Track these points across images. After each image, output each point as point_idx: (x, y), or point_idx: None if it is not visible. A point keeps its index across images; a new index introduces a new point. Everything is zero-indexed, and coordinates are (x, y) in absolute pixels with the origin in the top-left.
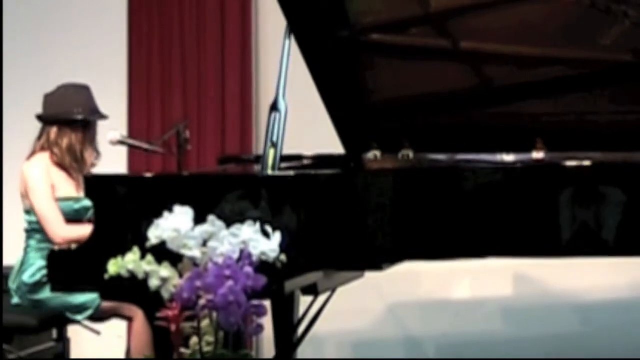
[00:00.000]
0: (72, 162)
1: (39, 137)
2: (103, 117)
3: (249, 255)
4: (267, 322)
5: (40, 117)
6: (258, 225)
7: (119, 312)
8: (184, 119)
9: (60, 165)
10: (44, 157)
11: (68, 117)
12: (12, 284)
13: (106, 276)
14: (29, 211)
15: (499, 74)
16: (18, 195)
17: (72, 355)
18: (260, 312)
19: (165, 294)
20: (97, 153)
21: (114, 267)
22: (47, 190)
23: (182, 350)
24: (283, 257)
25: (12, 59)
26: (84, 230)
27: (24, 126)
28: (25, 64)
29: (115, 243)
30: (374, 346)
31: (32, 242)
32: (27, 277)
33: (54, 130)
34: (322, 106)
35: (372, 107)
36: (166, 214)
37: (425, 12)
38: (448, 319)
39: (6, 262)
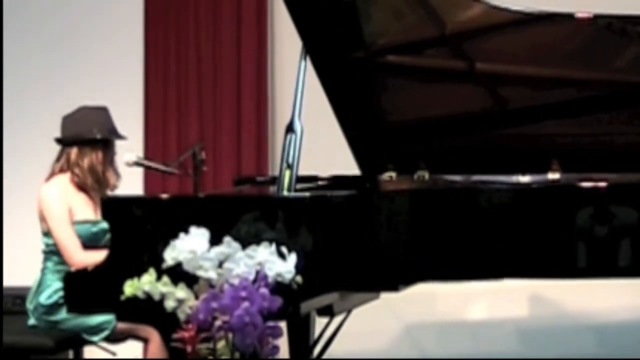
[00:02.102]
0: (93, 183)
1: (58, 159)
2: (122, 137)
3: (265, 277)
4: (283, 343)
5: (59, 140)
6: (274, 246)
7: (135, 333)
8: (199, 140)
9: (81, 186)
10: (62, 179)
11: (88, 137)
12: (29, 305)
13: (122, 297)
14: (47, 233)
15: (514, 95)
16: (36, 216)
17: None
18: (276, 333)
19: (181, 315)
20: (117, 174)
21: (130, 288)
22: (64, 215)
23: None
24: (299, 279)
25: (29, 81)
26: (101, 256)
27: (41, 147)
28: (41, 87)
29: (132, 264)
30: None
31: (49, 264)
32: (43, 299)
33: (74, 151)
34: (337, 127)
35: (387, 128)
36: (182, 235)
37: (440, 34)
38: (464, 339)
39: (23, 283)
